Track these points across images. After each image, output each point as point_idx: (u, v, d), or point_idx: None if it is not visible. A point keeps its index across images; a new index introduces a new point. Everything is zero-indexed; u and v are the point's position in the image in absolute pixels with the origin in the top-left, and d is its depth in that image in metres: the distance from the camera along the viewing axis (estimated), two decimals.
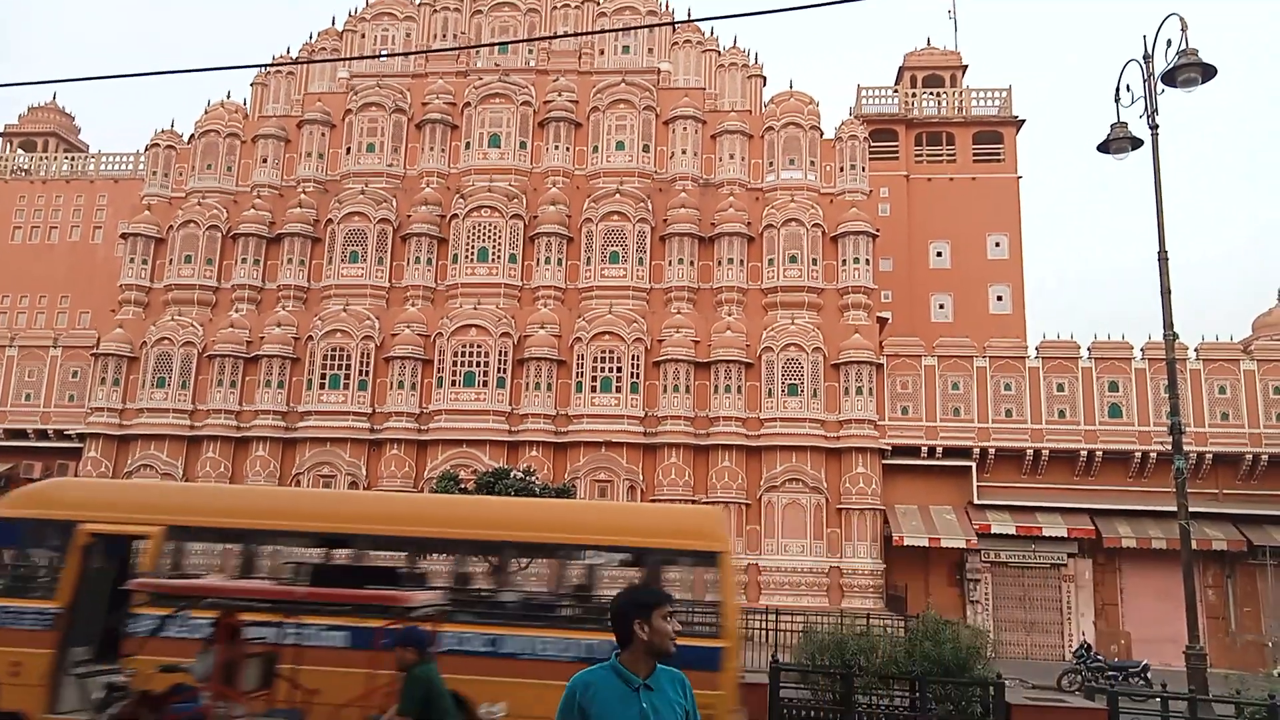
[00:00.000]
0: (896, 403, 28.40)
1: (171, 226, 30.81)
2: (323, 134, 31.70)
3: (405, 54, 31.74)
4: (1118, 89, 13.15)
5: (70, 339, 32.18)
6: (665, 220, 29.47)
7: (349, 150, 31.35)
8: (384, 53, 30.23)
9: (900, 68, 41.23)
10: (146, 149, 33.20)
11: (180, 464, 28.92)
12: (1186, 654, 11.86)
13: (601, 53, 32.07)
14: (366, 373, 28.90)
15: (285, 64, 32.25)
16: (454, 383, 28.41)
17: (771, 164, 30.30)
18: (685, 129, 30.50)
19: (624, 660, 3.55)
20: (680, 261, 29.17)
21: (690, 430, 27.85)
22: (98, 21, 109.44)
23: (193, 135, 32.28)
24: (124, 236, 31.64)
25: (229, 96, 32.88)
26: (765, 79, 31.85)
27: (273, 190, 31.30)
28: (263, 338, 29.34)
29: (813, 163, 30.23)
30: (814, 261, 28.99)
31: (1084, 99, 65.61)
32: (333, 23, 33.23)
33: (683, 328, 28.31)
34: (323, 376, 28.92)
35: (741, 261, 29.14)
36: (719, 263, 29.21)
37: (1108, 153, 13.35)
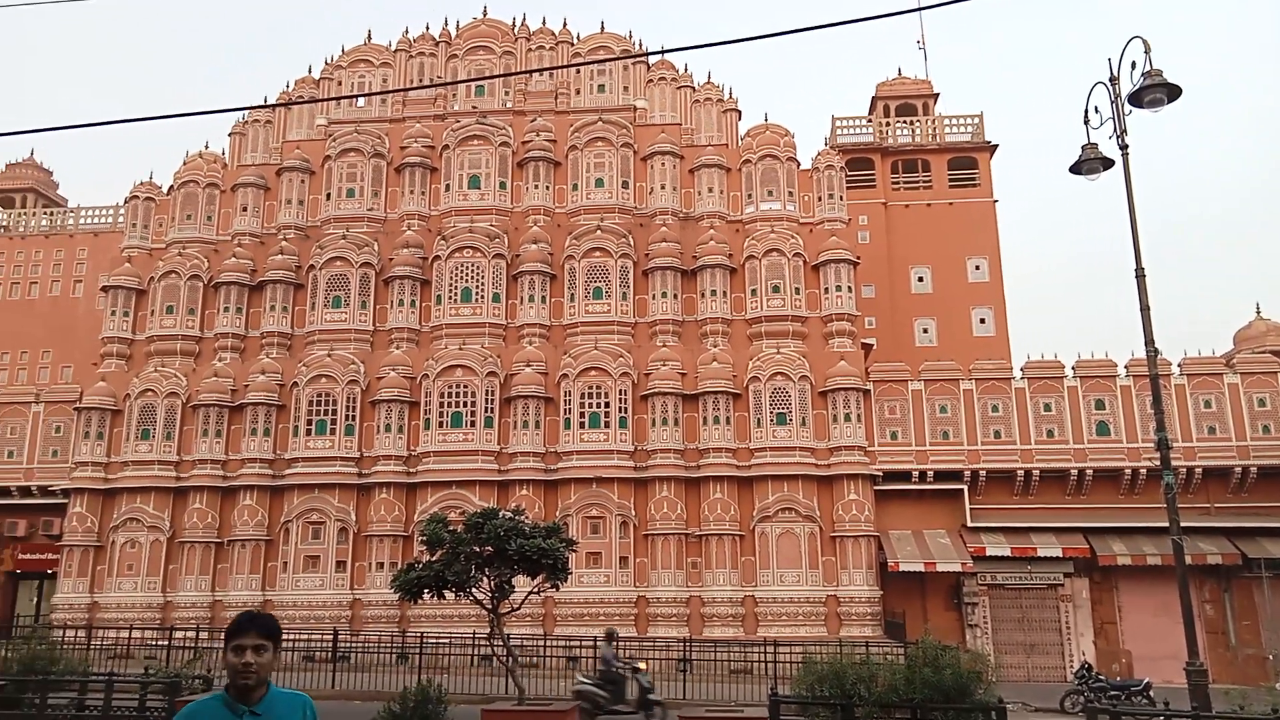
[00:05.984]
0: (885, 428, 28.38)
1: (152, 278, 30.68)
2: (302, 181, 31.75)
3: (382, 93, 31.94)
4: (1086, 112, 13.31)
5: (52, 394, 31.89)
6: (647, 255, 29.58)
7: (329, 196, 31.41)
8: (361, 96, 30.41)
9: (873, 98, 41.77)
10: (126, 201, 33.12)
11: (167, 516, 28.55)
12: (1187, 670, 11.77)
13: (578, 92, 32.36)
14: (353, 417, 28.71)
15: (264, 107, 32.36)
16: (441, 424, 28.25)
17: (750, 196, 30.53)
18: (663, 164, 30.73)
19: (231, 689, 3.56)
20: (664, 295, 29.24)
21: (680, 463, 27.73)
22: (73, 77, 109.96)
23: (172, 186, 32.26)
24: (105, 289, 31.45)
25: (207, 147, 32.92)
26: (740, 113, 32.17)
27: (253, 238, 31.27)
28: (247, 385, 29.13)
29: (791, 193, 30.46)
30: (796, 291, 29.12)
31: (1054, 121, 66.64)
32: (309, 71, 33.36)
33: (669, 360, 28.31)
34: (309, 422, 28.71)
35: (725, 293, 29.23)
36: (702, 295, 29.30)
37: (1080, 174, 13.50)
